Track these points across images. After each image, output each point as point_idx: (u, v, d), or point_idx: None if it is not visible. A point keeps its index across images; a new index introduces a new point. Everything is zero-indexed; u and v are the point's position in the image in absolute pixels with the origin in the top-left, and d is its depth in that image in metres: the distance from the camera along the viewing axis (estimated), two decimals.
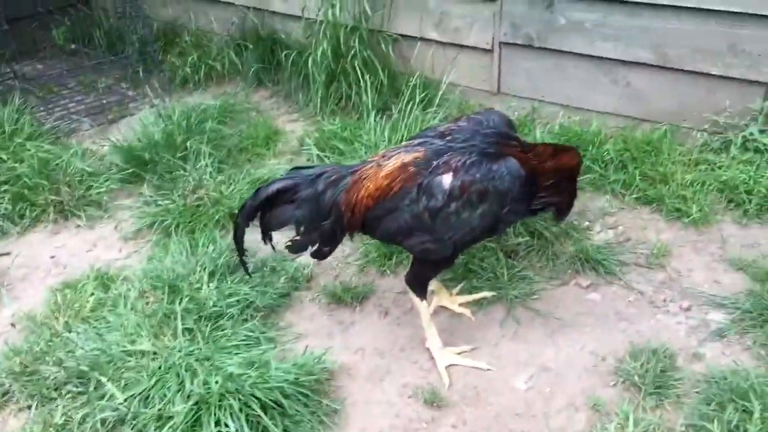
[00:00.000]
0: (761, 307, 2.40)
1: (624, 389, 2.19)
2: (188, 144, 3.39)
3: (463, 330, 2.47)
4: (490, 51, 3.68)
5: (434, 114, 3.58)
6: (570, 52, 3.44)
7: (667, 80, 3.23)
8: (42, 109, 4.26)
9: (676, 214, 2.95)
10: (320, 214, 2.20)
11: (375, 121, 3.54)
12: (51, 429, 2.04)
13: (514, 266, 2.70)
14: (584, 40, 3.36)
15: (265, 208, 2.25)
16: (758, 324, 2.37)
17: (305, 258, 2.78)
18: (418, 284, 2.32)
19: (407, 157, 2.13)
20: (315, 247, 2.28)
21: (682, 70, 3.16)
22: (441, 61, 3.87)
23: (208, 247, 2.77)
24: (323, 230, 2.23)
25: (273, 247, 2.39)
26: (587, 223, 2.99)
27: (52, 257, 2.92)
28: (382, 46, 3.95)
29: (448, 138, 2.16)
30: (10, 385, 2.20)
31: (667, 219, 2.96)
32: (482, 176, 2.04)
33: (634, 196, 3.08)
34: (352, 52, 3.81)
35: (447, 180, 2.05)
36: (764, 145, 3.04)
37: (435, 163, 2.09)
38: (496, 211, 2.08)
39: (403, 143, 2.26)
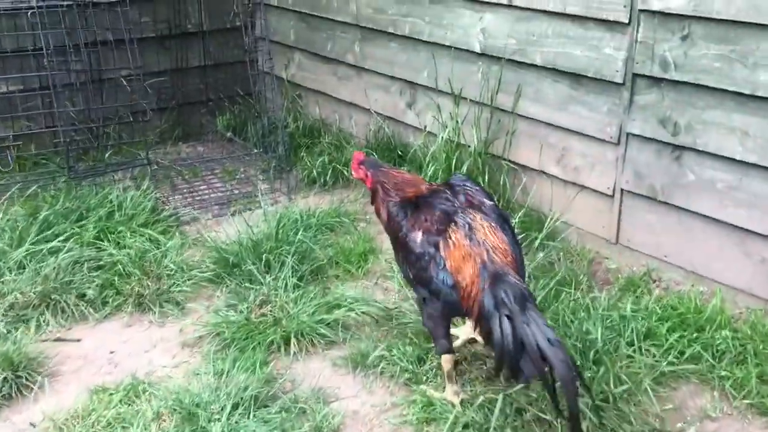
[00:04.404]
0: None
1: None
2: (271, 254, 3.36)
3: None
4: (611, 197, 3.30)
5: (546, 253, 3.29)
6: (697, 213, 2.98)
7: None
8: (175, 193, 4.49)
9: None
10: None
11: None
12: None
13: None
14: (714, 202, 2.90)
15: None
16: None
17: (339, 404, 2.60)
18: None
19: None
20: None
21: None
22: (560, 199, 3.55)
23: (245, 373, 2.65)
24: None
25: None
26: (680, 424, 2.49)
27: (112, 353, 2.97)
28: (500, 173, 3.72)
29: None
30: None
31: None
32: None
33: (747, 401, 2.53)
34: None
35: None
36: None
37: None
38: None
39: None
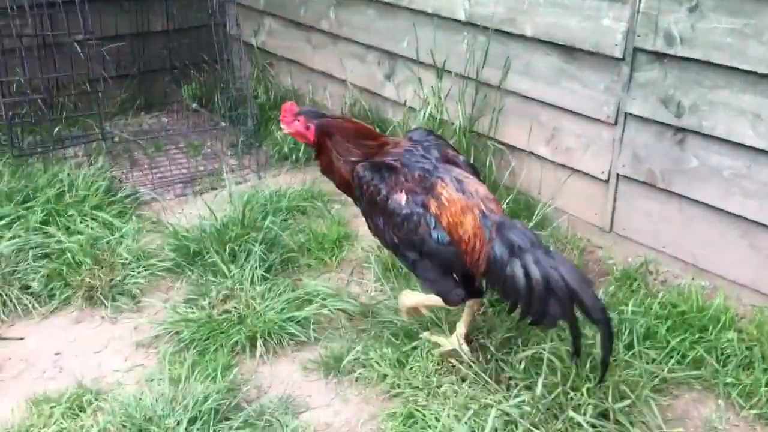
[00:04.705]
0: None
1: None
2: (237, 242, 3.07)
3: None
4: (605, 182, 3.05)
5: None
6: (700, 202, 2.74)
7: None
8: (134, 170, 4.15)
9: None
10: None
11: None
12: None
13: None
14: (719, 191, 2.66)
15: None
16: None
17: (310, 415, 2.36)
18: None
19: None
20: None
21: None
22: (549, 182, 3.30)
23: (205, 380, 2.38)
24: None
25: None
26: None
27: (57, 354, 2.68)
28: (486, 153, 3.45)
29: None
30: None
31: None
32: None
33: (755, 411, 2.32)
34: None
35: None
36: None
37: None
38: None
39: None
